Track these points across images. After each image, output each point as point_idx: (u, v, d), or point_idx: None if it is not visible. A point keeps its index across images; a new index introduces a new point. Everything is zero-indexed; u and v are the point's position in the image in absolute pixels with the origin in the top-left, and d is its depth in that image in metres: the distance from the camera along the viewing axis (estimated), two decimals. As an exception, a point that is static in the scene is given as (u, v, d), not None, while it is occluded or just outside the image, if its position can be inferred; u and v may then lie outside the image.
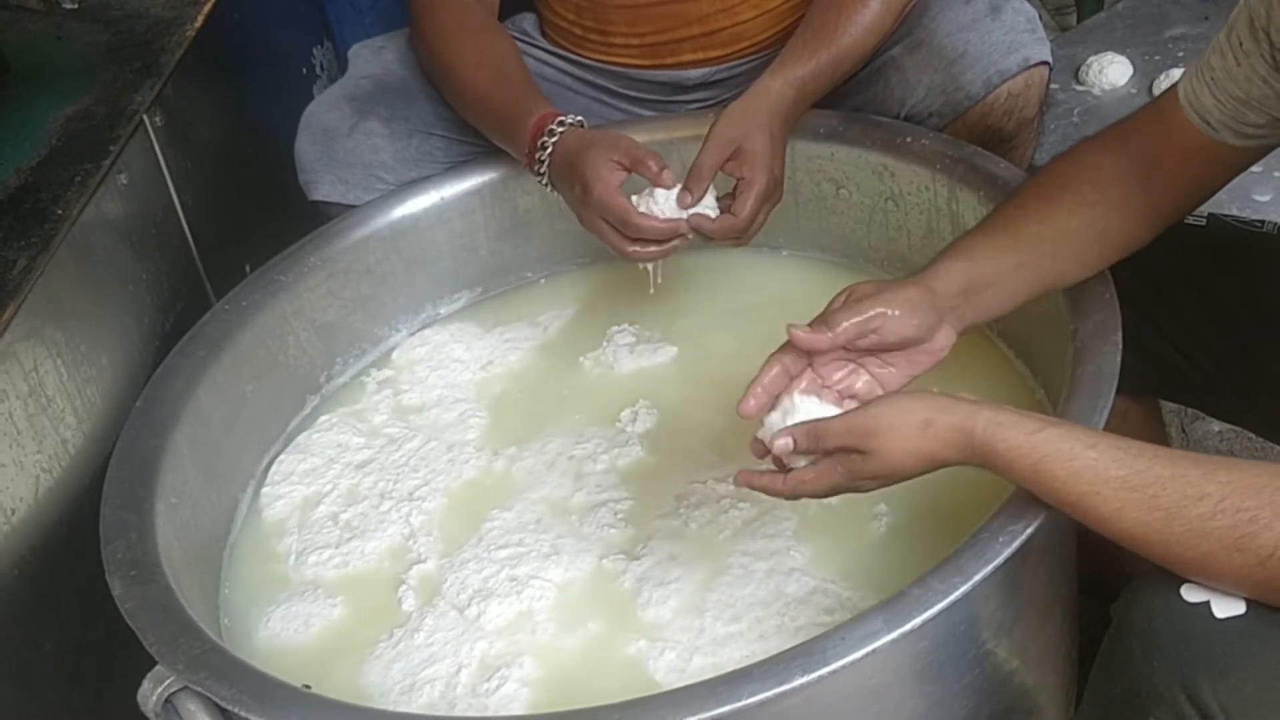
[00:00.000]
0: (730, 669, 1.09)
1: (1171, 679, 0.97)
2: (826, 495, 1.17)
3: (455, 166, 1.73)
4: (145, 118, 1.65)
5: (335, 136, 1.68)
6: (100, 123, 1.60)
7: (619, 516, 1.44)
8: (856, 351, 1.23)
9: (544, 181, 1.56)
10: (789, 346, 1.22)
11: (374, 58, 1.77)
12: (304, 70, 2.24)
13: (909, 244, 1.66)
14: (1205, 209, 1.62)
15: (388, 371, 1.72)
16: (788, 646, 1.08)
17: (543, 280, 1.82)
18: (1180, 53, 1.99)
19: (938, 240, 1.61)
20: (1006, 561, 1.08)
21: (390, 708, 1.28)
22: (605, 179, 1.46)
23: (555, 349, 1.72)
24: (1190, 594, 0.99)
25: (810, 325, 1.21)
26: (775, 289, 1.73)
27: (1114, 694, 1.04)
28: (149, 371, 1.51)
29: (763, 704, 1.03)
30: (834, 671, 1.03)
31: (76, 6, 1.82)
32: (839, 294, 1.24)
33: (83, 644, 1.42)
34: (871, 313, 1.20)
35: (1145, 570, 1.03)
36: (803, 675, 1.03)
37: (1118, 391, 1.22)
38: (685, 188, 1.47)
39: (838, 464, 1.13)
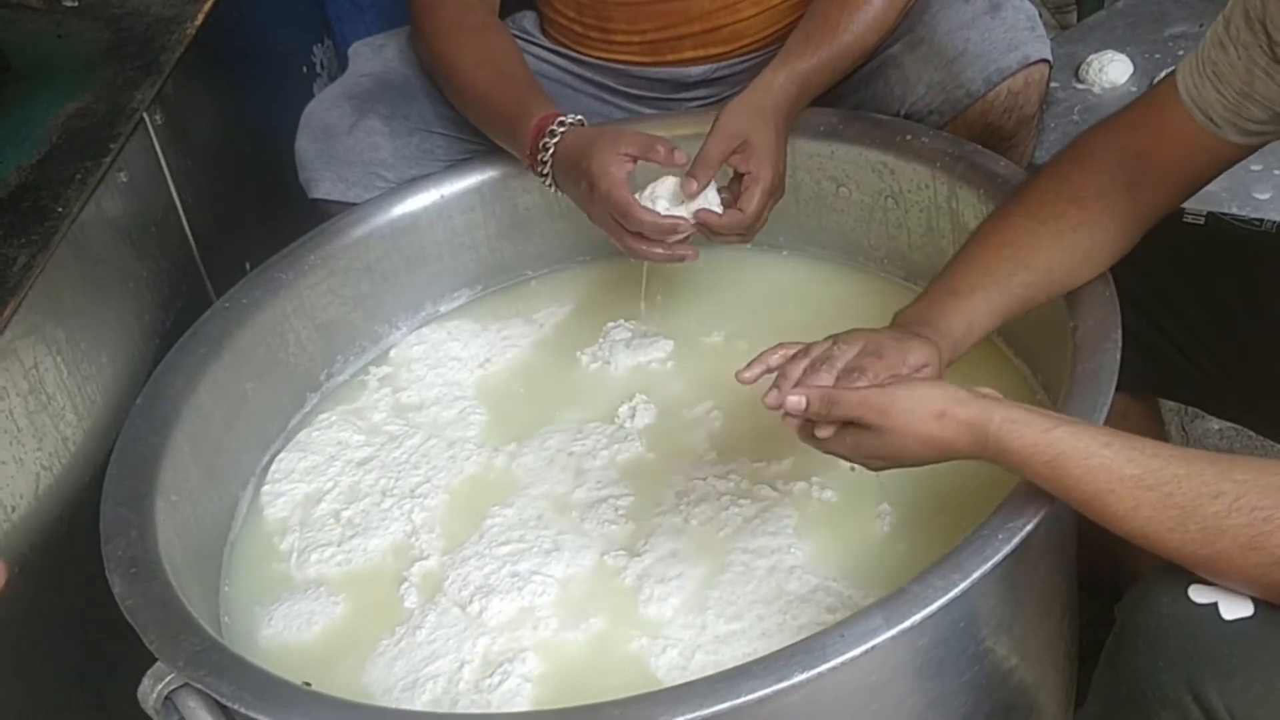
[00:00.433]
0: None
1: (1178, 680, 0.97)
2: (830, 454, 1.18)
3: (455, 165, 1.73)
4: (145, 116, 1.65)
5: (335, 134, 1.68)
6: (100, 121, 1.60)
7: (619, 513, 1.45)
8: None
9: (546, 181, 1.56)
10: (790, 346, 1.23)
11: (374, 56, 1.77)
12: (304, 68, 2.24)
13: (909, 242, 1.66)
14: (1205, 208, 1.62)
15: (387, 369, 1.72)
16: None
17: (541, 278, 1.82)
18: (1180, 51, 1.99)
19: (938, 238, 1.61)
20: (1006, 558, 1.08)
21: (393, 705, 1.29)
22: (611, 174, 1.46)
23: (552, 346, 1.72)
24: (1198, 595, 0.99)
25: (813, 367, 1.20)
26: (774, 286, 1.73)
27: (1119, 694, 1.04)
28: (149, 369, 1.51)
29: (762, 701, 1.03)
30: (833, 668, 1.03)
31: (77, 4, 1.82)
32: (853, 339, 1.22)
33: (83, 641, 1.42)
34: (885, 375, 1.18)
35: (1149, 569, 1.03)
36: (802, 672, 1.03)
37: (1117, 389, 1.21)
38: (690, 174, 1.47)
39: (846, 434, 1.14)
